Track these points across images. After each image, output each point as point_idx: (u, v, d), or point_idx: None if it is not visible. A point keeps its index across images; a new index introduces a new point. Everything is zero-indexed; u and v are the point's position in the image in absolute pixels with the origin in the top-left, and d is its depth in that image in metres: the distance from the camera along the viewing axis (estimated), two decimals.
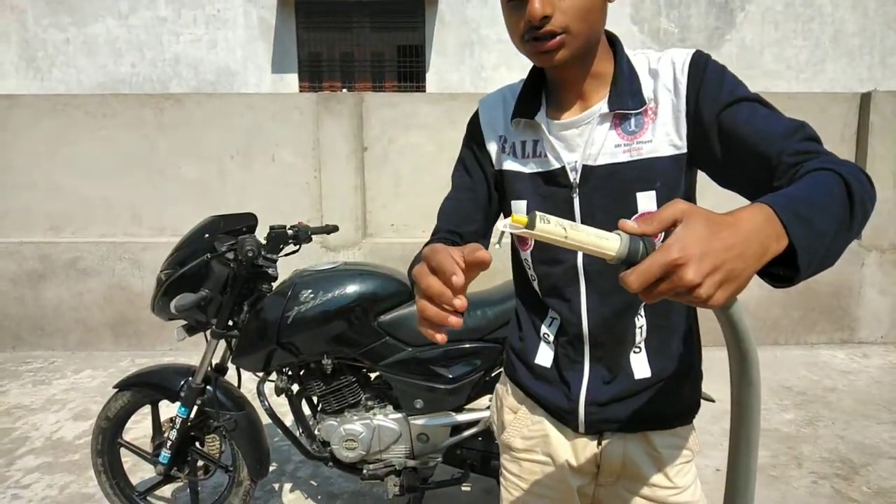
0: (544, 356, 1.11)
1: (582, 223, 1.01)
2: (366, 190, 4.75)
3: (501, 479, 1.22)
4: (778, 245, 0.66)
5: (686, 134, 0.96)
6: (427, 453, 2.22)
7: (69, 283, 4.67)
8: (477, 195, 1.13)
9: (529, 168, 1.06)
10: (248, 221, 2.32)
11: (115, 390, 2.35)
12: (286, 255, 2.31)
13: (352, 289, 2.15)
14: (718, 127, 0.91)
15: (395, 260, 4.51)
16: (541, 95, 1.07)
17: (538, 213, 0.64)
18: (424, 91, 7.66)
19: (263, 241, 2.20)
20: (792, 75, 7.78)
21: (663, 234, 0.66)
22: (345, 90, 5.25)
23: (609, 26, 1.01)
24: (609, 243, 0.64)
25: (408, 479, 2.20)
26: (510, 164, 1.09)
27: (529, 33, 0.93)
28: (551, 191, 1.04)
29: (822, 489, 2.71)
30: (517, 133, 1.08)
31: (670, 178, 0.97)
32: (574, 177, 1.01)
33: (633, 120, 0.98)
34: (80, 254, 4.65)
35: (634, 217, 0.75)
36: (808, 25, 7.75)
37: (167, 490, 2.62)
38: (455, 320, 0.72)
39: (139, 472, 2.75)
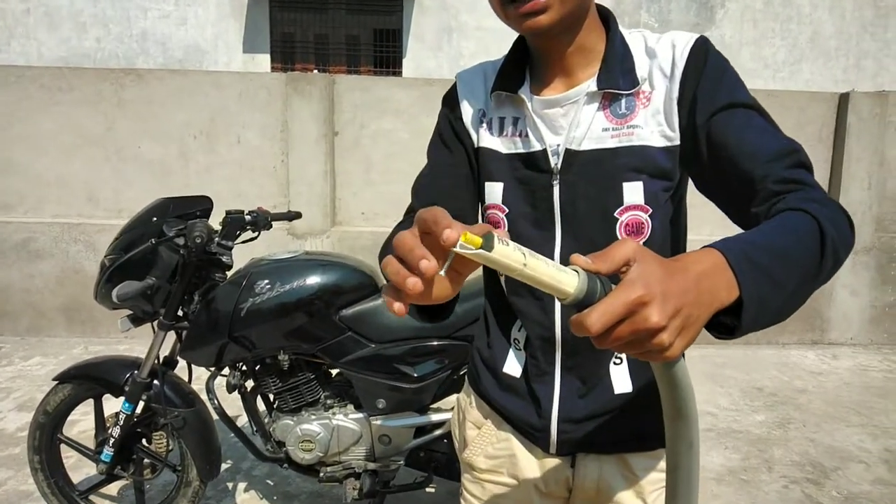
0: (513, 364, 0.99)
1: (562, 213, 0.90)
2: (335, 176, 4.58)
3: (462, 501, 1.10)
4: (728, 295, 0.60)
5: (679, 124, 0.87)
6: (389, 455, 2.10)
7: (20, 265, 4.43)
8: (458, 171, 1.01)
9: (507, 148, 0.95)
10: (201, 205, 2.17)
11: (55, 383, 2.18)
12: (244, 242, 2.15)
13: (312, 280, 2.01)
14: (708, 130, 0.83)
15: (365, 250, 4.37)
16: (525, 70, 0.96)
17: (496, 234, 0.55)
18: (400, 76, 7.50)
19: (218, 227, 2.04)
20: (769, 74, 7.78)
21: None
22: (315, 72, 5.07)
23: None
24: (568, 278, 0.56)
25: (368, 483, 2.08)
26: (487, 141, 0.98)
27: None
28: (529, 175, 0.93)
29: (792, 494, 2.65)
30: (497, 108, 0.97)
31: (659, 171, 0.88)
32: (556, 161, 0.90)
33: (623, 101, 0.88)
34: (32, 234, 4.42)
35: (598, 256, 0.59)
36: (786, 25, 7.75)
37: (112, 489, 2.46)
38: (412, 281, 0.56)
39: (84, 467, 2.59)
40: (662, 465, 0.96)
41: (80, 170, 4.49)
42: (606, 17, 0.93)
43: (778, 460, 2.94)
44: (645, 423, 0.93)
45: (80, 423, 2.91)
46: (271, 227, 2.21)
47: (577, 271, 0.57)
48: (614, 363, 0.94)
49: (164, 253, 2.00)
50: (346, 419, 2.07)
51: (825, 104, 4.55)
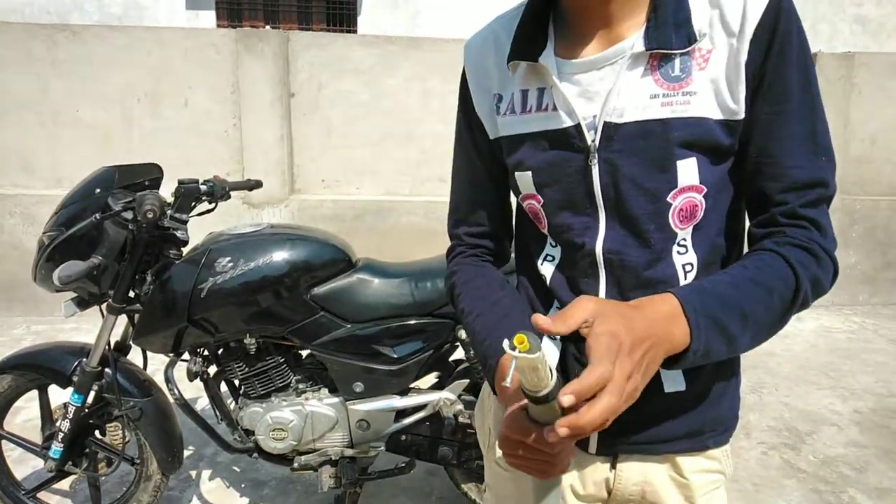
0: (549, 355, 0.85)
1: (603, 200, 0.76)
2: (293, 141, 4.33)
3: (488, 497, 0.99)
4: (684, 342, 0.67)
5: (746, 95, 0.73)
6: (368, 441, 1.97)
7: None
8: (487, 176, 0.93)
9: (531, 127, 0.81)
10: (150, 174, 1.95)
11: None
12: (199, 214, 1.95)
13: (279, 256, 1.83)
14: (757, 111, 0.73)
15: (326, 219, 4.18)
16: (547, 27, 0.80)
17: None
18: (356, 35, 7.18)
19: (170, 199, 1.83)
20: None
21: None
22: (268, 28, 4.77)
23: None
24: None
25: (345, 470, 1.95)
26: (508, 128, 0.84)
27: None
28: (560, 157, 0.79)
29: (772, 460, 2.65)
30: (515, 81, 0.83)
31: (717, 148, 0.74)
32: (592, 137, 0.76)
33: (677, 62, 0.73)
34: None
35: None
36: None
37: (64, 484, 2.26)
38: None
39: (32, 460, 2.37)
40: (715, 465, 0.87)
41: (12, 136, 4.13)
42: None
43: (755, 426, 2.93)
44: (698, 421, 0.83)
45: (25, 410, 2.68)
46: (230, 197, 2.01)
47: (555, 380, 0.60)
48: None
49: (110, 229, 1.79)
50: (321, 404, 1.93)
51: None
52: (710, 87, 0.73)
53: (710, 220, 0.78)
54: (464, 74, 0.91)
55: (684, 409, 0.82)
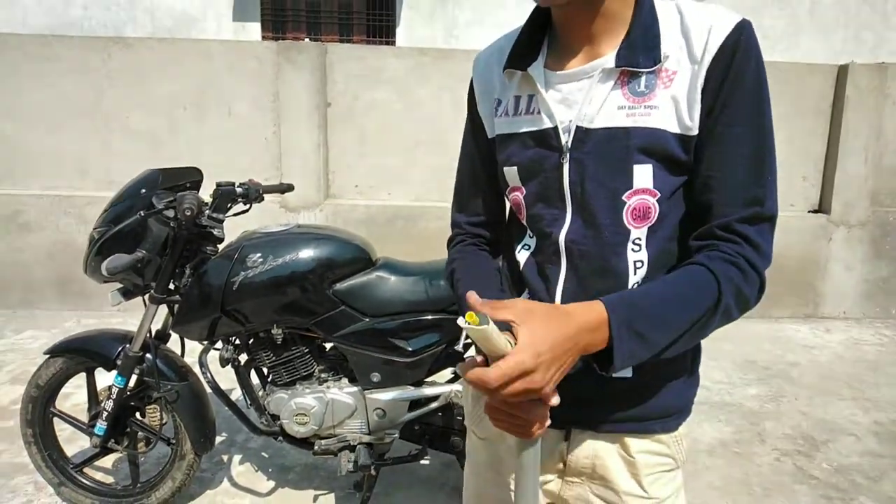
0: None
1: (571, 193, 0.89)
2: (328, 148, 4.52)
3: (466, 467, 1.12)
4: (602, 345, 0.77)
5: (700, 114, 0.83)
6: (383, 429, 2.10)
7: (9, 239, 4.38)
8: (486, 172, 1.05)
9: (520, 127, 0.93)
10: (191, 177, 2.13)
11: (47, 356, 2.16)
12: (235, 214, 2.12)
13: (305, 253, 1.98)
14: (709, 131, 0.83)
15: (359, 223, 4.34)
16: (541, 43, 0.93)
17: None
18: (394, 46, 7.38)
19: (208, 199, 2.01)
20: (768, 45, 7.68)
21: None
22: (307, 40, 4.98)
23: None
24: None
25: (362, 456, 2.08)
26: (502, 127, 0.96)
27: None
28: (540, 154, 0.91)
29: (784, 466, 2.68)
30: (511, 87, 0.95)
31: (671, 158, 0.84)
32: (566, 139, 0.87)
33: (643, 79, 0.84)
34: (22, 207, 4.36)
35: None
36: None
37: (107, 461, 2.46)
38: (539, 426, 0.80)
39: (79, 440, 2.58)
40: (664, 449, 0.96)
41: (68, 141, 4.41)
42: None
43: (770, 433, 2.96)
44: (644, 407, 0.92)
45: (74, 395, 2.89)
46: (263, 199, 2.18)
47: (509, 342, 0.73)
48: None
49: (153, 226, 1.97)
50: (341, 393, 2.06)
51: (823, 76, 4.50)
52: (671, 104, 0.83)
53: (664, 225, 0.87)
54: (471, 83, 1.04)
55: (631, 395, 0.91)
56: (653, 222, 0.87)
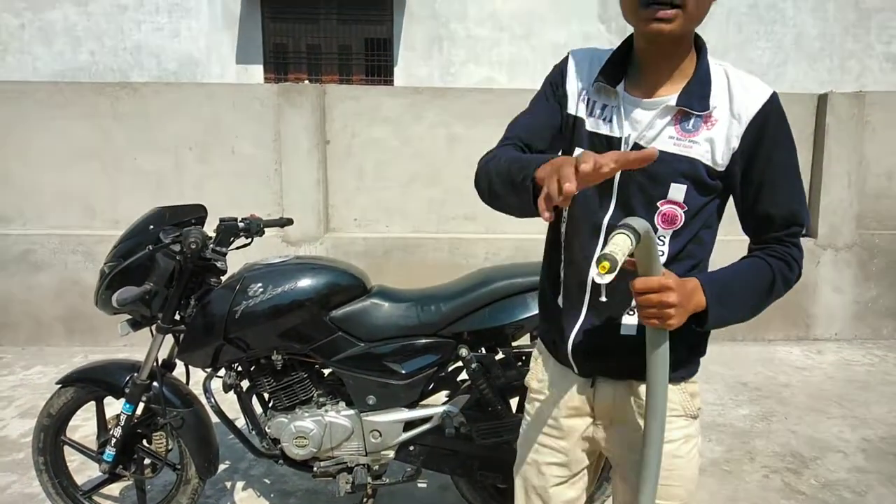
0: (559, 296, 1.28)
1: (618, 192, 1.17)
2: (328, 184, 4.68)
3: (523, 416, 1.42)
4: (698, 309, 1.08)
5: (729, 161, 1.13)
6: (380, 450, 2.19)
7: (20, 277, 4.52)
8: (552, 119, 1.26)
9: (593, 126, 1.19)
10: (196, 213, 2.26)
11: (58, 386, 2.27)
12: (237, 248, 2.25)
13: (303, 283, 2.10)
14: (763, 176, 1.14)
15: (358, 255, 4.47)
16: (625, 68, 1.18)
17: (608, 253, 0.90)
18: (392, 85, 7.60)
19: (212, 234, 2.14)
20: (755, 75, 7.90)
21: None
22: (307, 82, 5.17)
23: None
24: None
25: (360, 477, 2.17)
26: (582, 113, 1.22)
27: None
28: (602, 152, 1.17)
29: (772, 483, 2.75)
30: (594, 92, 1.21)
31: (701, 182, 1.13)
32: (625, 149, 1.13)
33: (692, 120, 1.12)
34: (32, 246, 4.50)
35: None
36: (770, 28, 7.89)
37: (114, 489, 2.54)
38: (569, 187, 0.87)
39: (87, 470, 2.67)
40: (671, 395, 1.19)
41: (77, 182, 4.58)
42: (700, 46, 1.16)
43: (759, 451, 3.03)
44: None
45: (82, 428, 2.99)
46: (263, 233, 2.31)
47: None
48: (628, 314, 1.20)
49: (161, 259, 2.09)
50: (338, 416, 2.16)
51: (804, 105, 4.66)
52: (709, 143, 1.12)
53: (685, 232, 1.16)
54: (564, 65, 1.27)
55: (638, 350, 1.14)
56: (677, 227, 1.15)
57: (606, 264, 0.87)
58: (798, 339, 4.79)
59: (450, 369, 2.26)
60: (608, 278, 0.88)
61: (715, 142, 1.11)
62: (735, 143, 1.11)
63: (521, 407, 2.20)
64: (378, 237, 4.62)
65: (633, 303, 1.17)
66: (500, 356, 2.18)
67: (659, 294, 1.00)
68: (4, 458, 2.93)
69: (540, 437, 1.33)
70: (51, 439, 2.29)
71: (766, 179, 1.13)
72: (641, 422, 1.18)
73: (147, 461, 2.31)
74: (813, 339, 4.80)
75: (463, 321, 2.10)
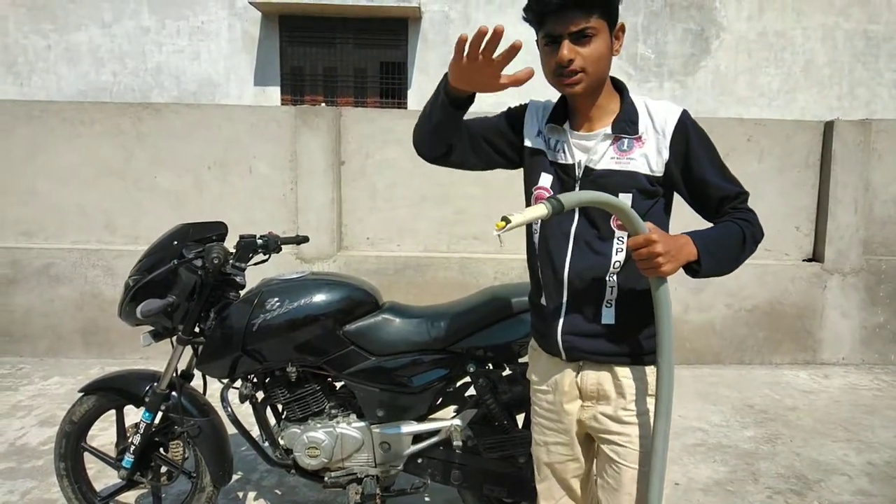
0: (542, 296, 1.54)
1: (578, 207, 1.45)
2: (342, 203, 4.79)
3: (531, 409, 1.67)
4: (691, 258, 1.30)
5: (664, 167, 1.41)
6: (389, 461, 2.25)
7: (40, 290, 4.64)
8: (498, 137, 1.57)
9: (553, 158, 1.49)
10: (217, 230, 2.36)
11: (81, 395, 2.36)
12: (255, 263, 2.34)
13: (318, 298, 2.19)
14: (696, 176, 1.42)
15: (370, 273, 4.56)
16: (566, 112, 1.49)
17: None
18: (406, 108, 7.76)
19: (232, 250, 2.24)
20: (764, 102, 8.00)
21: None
22: (323, 104, 5.31)
23: None
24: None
25: (369, 487, 2.23)
26: (540, 146, 1.51)
27: (559, 70, 1.36)
28: (564, 177, 1.47)
29: None
30: (548, 132, 1.51)
31: (643, 188, 1.40)
32: (578, 172, 1.44)
33: (626, 142, 1.42)
34: (53, 260, 4.64)
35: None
36: (780, 55, 7.99)
37: (130, 496, 2.62)
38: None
39: (104, 478, 2.75)
40: (642, 375, 1.46)
41: (99, 199, 4.71)
42: (621, 88, 1.47)
43: (764, 473, 3.06)
44: (627, 347, 1.45)
45: (99, 437, 3.07)
46: (280, 250, 2.40)
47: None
48: (605, 306, 1.44)
49: (183, 274, 2.19)
50: (349, 427, 2.23)
51: (811, 132, 4.73)
52: (643, 157, 1.41)
53: None
54: (524, 108, 1.58)
55: (617, 337, 1.44)
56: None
57: (502, 223, 1.06)
58: (805, 362, 4.81)
59: (458, 384, 2.33)
60: (497, 233, 1.07)
61: (648, 155, 1.40)
62: (665, 154, 1.40)
63: (527, 423, 2.26)
64: (390, 255, 4.72)
65: (608, 296, 1.44)
66: (507, 372, 2.25)
67: (647, 247, 1.22)
68: (25, 464, 3.01)
69: (543, 420, 1.60)
70: (72, 445, 2.38)
71: (706, 171, 1.41)
72: (617, 396, 1.46)
73: (164, 469, 2.38)
74: (820, 363, 4.82)
75: (471, 338, 2.17)
